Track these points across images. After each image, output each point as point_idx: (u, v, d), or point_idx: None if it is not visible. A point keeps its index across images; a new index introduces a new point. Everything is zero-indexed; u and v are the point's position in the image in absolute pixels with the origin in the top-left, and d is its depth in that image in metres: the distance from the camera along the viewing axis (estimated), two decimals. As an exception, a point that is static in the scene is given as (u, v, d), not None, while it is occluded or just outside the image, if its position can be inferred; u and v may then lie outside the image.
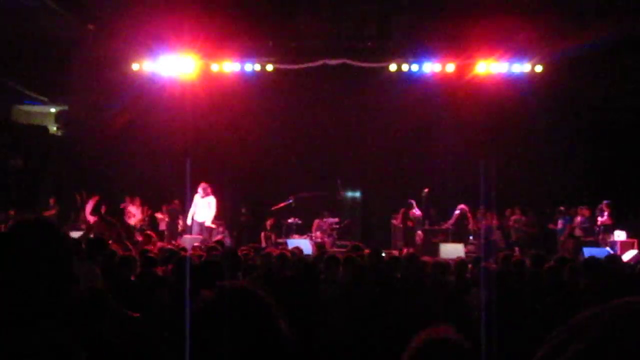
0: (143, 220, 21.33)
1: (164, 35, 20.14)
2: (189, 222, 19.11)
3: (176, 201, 20.79)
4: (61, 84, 22.01)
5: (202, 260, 8.59)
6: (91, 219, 20.95)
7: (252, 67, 21.28)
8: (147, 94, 21.03)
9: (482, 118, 21.02)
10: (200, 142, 21.45)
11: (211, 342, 1.74)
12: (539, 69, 20.78)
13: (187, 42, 20.46)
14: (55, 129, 24.56)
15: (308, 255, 13.91)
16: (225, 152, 22.07)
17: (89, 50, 20.62)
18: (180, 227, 20.63)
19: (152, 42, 20.39)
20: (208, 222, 18.99)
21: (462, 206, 19.17)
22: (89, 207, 21.05)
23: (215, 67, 21.37)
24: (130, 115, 20.99)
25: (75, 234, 15.32)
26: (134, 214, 21.02)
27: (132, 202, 21.15)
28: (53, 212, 21.14)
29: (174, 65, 21.34)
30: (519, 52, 20.61)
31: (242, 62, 21.34)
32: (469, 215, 19.26)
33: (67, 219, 21.25)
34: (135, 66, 21.23)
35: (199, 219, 18.98)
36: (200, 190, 18.98)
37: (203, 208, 18.99)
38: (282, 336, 1.78)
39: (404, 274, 9.42)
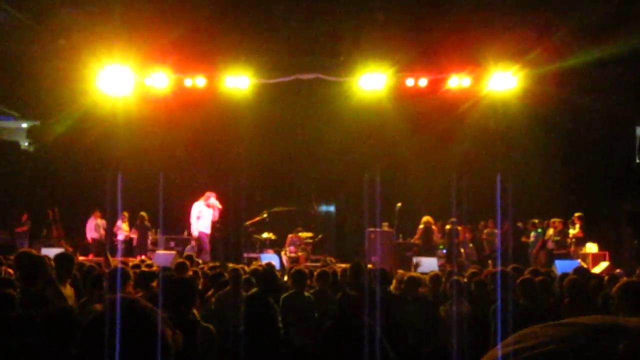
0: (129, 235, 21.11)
1: (136, 51, 20.07)
2: (195, 233, 19.07)
3: (143, 214, 20.42)
4: (33, 100, 21.86)
5: (174, 279, 8.50)
6: (95, 235, 20.79)
7: (225, 82, 21.24)
8: (120, 109, 20.91)
9: (454, 132, 21.22)
10: (173, 156, 21.40)
11: (99, 352, 1.86)
12: (513, 84, 20.91)
13: (160, 57, 20.42)
14: (27, 144, 24.39)
15: (278, 270, 13.89)
16: (198, 167, 22.04)
17: (60, 66, 20.48)
18: (150, 243, 20.48)
19: (124, 58, 20.31)
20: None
21: (425, 219, 19.17)
22: (91, 223, 20.86)
23: (188, 82, 21.31)
24: (102, 131, 20.85)
25: (47, 251, 15.20)
26: (121, 228, 20.73)
27: (120, 218, 20.84)
28: (25, 228, 20.95)
29: (146, 80, 21.26)
30: (492, 67, 20.76)
31: (215, 77, 21.30)
32: (433, 228, 19.28)
33: (38, 235, 21.07)
34: (106, 81, 21.03)
35: (207, 230, 19.04)
36: (212, 199, 18.99)
37: (208, 218, 19.04)
38: (166, 344, 1.88)
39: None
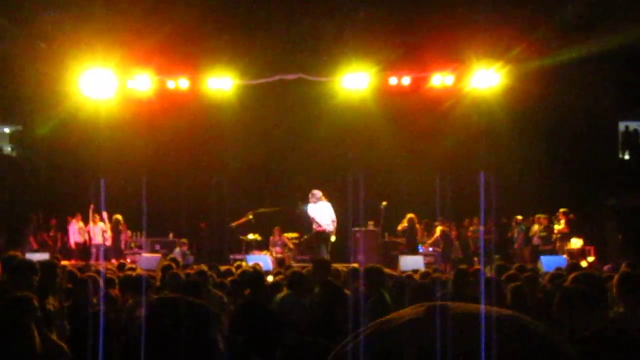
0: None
1: (118, 53, 19.97)
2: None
3: (118, 218, 20.18)
4: (14, 104, 21.72)
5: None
6: (78, 239, 20.55)
7: (208, 83, 21.16)
8: (102, 112, 20.80)
9: (438, 130, 21.22)
10: (156, 159, 21.30)
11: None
12: (496, 81, 20.90)
13: (142, 59, 20.32)
14: (9, 149, 24.24)
15: (267, 271, 13.81)
16: (182, 169, 21.96)
17: (42, 69, 20.36)
18: (123, 245, 20.30)
19: (105, 60, 20.21)
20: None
21: (409, 217, 19.06)
22: (73, 227, 20.59)
23: (171, 84, 21.22)
24: (85, 134, 20.74)
25: (31, 256, 15.00)
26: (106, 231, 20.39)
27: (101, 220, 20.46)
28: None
29: (129, 83, 21.17)
30: (474, 64, 20.75)
31: (198, 79, 21.23)
32: (417, 226, 19.25)
33: (22, 240, 20.88)
34: (88, 84, 20.90)
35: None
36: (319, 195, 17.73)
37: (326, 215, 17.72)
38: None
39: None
